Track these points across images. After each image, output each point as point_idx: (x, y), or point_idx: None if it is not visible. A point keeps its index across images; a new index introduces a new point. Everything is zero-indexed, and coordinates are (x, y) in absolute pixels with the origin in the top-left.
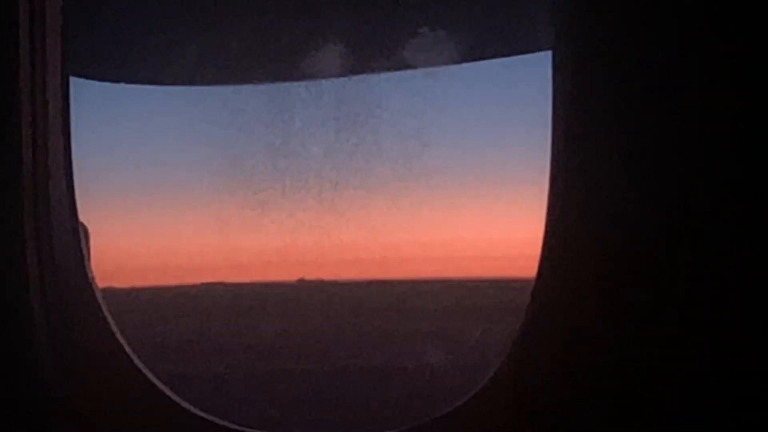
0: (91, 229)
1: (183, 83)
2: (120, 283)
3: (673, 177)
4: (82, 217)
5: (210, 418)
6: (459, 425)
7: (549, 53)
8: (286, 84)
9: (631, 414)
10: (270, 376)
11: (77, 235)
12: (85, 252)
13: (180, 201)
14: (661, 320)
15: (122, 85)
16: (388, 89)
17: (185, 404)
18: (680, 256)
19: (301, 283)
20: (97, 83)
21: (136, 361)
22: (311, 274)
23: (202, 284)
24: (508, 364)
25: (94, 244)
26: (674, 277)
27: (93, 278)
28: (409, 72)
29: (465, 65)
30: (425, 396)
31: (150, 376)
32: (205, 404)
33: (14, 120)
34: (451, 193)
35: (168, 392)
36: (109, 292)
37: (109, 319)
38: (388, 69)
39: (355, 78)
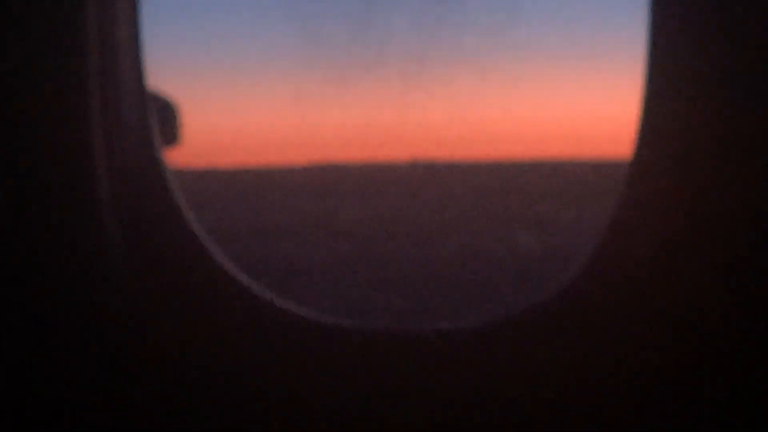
0: (184, 107)
1: None
2: (212, 162)
3: None
4: (175, 94)
5: (284, 306)
6: (553, 314)
7: None
8: None
9: (732, 305)
10: (351, 262)
11: (145, 109)
12: (154, 127)
13: (263, 76)
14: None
15: None
16: None
17: (256, 289)
18: None
19: (382, 162)
20: None
21: (203, 240)
22: (393, 155)
23: (280, 167)
24: (601, 251)
25: (187, 121)
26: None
27: (161, 153)
28: None
29: None
30: (518, 284)
31: (216, 256)
32: (285, 291)
33: None
34: (543, 69)
35: (237, 275)
36: (198, 171)
37: (178, 197)
38: None
39: None
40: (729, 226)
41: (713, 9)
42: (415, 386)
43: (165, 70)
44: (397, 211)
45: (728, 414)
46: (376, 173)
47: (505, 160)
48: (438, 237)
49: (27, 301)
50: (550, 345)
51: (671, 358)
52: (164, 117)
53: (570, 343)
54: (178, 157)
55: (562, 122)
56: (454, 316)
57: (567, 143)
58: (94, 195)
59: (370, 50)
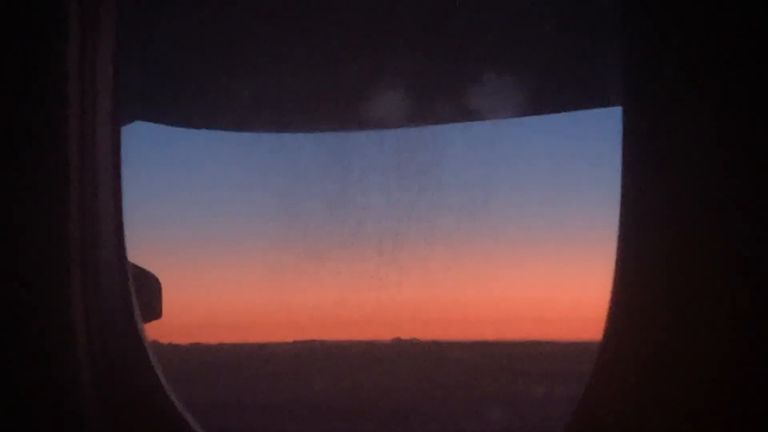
0: (162, 280)
1: (239, 129)
2: (180, 338)
3: (749, 241)
4: (155, 268)
5: None
6: None
7: (619, 109)
8: (345, 132)
9: None
10: None
11: (126, 282)
12: (134, 299)
13: (236, 249)
14: (731, 385)
15: (178, 129)
16: (452, 138)
17: None
18: (753, 320)
19: (350, 340)
20: (152, 126)
21: (181, 411)
22: (360, 334)
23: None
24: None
25: (168, 296)
26: (745, 338)
27: (141, 327)
28: (474, 123)
29: (532, 118)
30: None
31: (193, 426)
32: None
33: (63, 160)
34: (515, 249)
35: None
36: (170, 346)
37: (158, 370)
38: (453, 119)
39: (417, 127)
40: (696, 410)
41: (684, 199)
42: None
43: (146, 244)
44: (377, 387)
45: None
46: (359, 350)
47: (481, 339)
48: (414, 413)
49: None
50: None
51: None
52: (145, 290)
53: None
54: (159, 331)
55: (537, 304)
56: None
57: (539, 325)
58: (75, 372)
59: (347, 227)
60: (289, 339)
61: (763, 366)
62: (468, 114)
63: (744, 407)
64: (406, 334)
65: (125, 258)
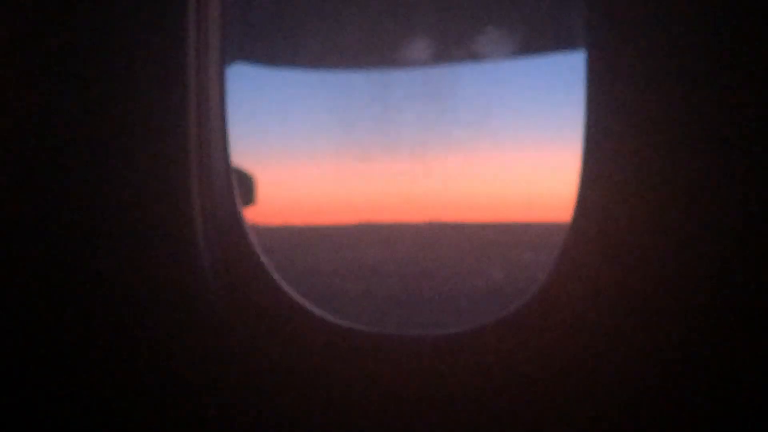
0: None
1: (310, 66)
2: (278, 221)
3: (707, 185)
4: (251, 168)
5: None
6: (509, 331)
7: (583, 53)
8: (387, 69)
9: (668, 337)
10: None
11: (229, 173)
12: (237, 194)
13: (311, 155)
14: (696, 263)
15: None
16: (463, 75)
17: (323, 313)
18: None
19: (406, 222)
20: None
21: (280, 281)
22: (397, 216)
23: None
24: (553, 278)
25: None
26: (708, 223)
27: (242, 213)
28: (478, 62)
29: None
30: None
31: (287, 289)
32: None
33: (181, 100)
34: (509, 157)
35: (306, 305)
36: (263, 227)
37: (255, 246)
38: (463, 59)
39: (438, 66)
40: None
41: (643, 140)
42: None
43: (245, 150)
44: (414, 255)
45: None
46: (402, 231)
47: (488, 221)
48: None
49: (129, 332)
50: (525, 347)
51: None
52: (243, 184)
53: (541, 347)
54: (253, 214)
55: (520, 194)
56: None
57: (521, 209)
58: (193, 244)
59: (391, 139)
60: (350, 221)
61: (724, 244)
62: (473, 55)
63: (709, 285)
64: (435, 217)
65: (229, 161)
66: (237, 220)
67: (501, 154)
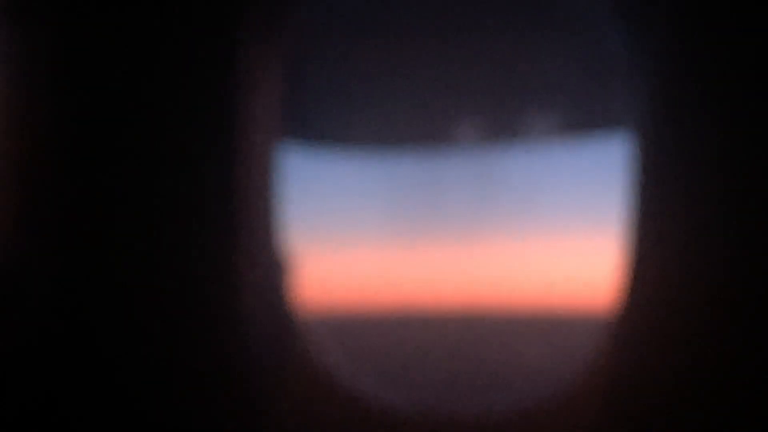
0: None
1: (360, 144)
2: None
3: (756, 266)
4: (299, 252)
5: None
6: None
7: (629, 131)
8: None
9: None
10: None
11: (279, 261)
12: (285, 284)
13: (359, 240)
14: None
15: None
16: (510, 155)
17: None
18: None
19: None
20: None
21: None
22: (440, 304)
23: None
24: (598, 365)
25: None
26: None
27: (292, 305)
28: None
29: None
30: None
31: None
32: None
33: (232, 173)
34: (555, 245)
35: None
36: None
37: (299, 331)
38: (510, 139)
39: (485, 144)
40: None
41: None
42: None
43: (290, 236)
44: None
45: None
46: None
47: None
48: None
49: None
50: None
51: None
52: (286, 263)
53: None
54: (298, 298)
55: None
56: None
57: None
58: (239, 331)
59: (433, 222)
60: (396, 305)
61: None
62: (518, 135)
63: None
64: (478, 302)
65: (277, 248)
66: (283, 306)
67: (543, 239)
